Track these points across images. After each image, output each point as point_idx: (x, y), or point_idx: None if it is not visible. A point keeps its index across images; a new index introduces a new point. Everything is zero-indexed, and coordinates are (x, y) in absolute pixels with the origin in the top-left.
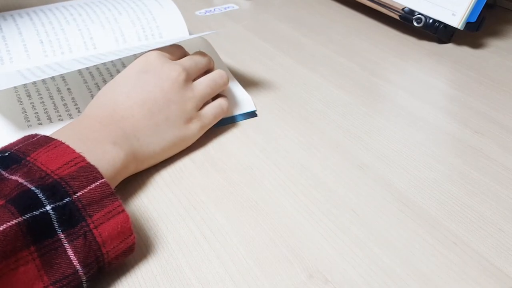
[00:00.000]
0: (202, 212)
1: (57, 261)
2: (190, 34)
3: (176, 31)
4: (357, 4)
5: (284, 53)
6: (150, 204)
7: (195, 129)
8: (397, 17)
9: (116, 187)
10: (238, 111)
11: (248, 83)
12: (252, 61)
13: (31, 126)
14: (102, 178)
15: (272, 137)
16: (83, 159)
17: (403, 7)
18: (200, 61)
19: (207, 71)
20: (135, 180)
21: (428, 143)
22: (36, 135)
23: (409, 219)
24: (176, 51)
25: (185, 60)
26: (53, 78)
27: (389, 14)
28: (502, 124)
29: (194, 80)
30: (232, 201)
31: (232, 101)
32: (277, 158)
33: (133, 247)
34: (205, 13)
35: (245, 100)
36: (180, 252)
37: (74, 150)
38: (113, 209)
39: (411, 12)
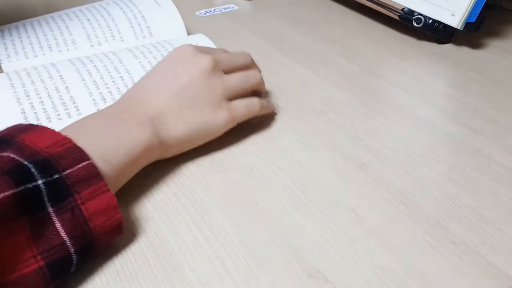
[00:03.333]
0: (202, 212)
1: (46, 233)
2: (188, 34)
3: (174, 30)
4: (356, 4)
5: (284, 53)
6: (150, 204)
7: (222, 117)
8: (397, 18)
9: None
10: None
11: None
12: None
13: None
14: (89, 159)
15: (272, 137)
16: (70, 141)
17: (402, 8)
18: (237, 56)
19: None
20: (135, 180)
21: (428, 143)
22: (20, 124)
23: (409, 219)
24: (215, 50)
25: (219, 52)
26: (51, 77)
27: (388, 15)
28: (502, 124)
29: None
30: (232, 201)
31: None
32: (277, 158)
33: (121, 226)
34: (205, 13)
35: None
36: (180, 252)
37: (60, 133)
38: (99, 188)
39: (411, 12)
